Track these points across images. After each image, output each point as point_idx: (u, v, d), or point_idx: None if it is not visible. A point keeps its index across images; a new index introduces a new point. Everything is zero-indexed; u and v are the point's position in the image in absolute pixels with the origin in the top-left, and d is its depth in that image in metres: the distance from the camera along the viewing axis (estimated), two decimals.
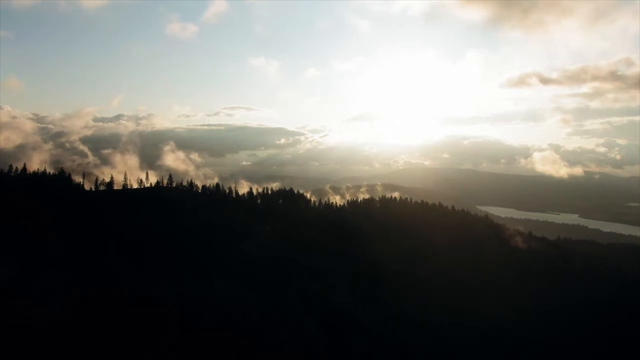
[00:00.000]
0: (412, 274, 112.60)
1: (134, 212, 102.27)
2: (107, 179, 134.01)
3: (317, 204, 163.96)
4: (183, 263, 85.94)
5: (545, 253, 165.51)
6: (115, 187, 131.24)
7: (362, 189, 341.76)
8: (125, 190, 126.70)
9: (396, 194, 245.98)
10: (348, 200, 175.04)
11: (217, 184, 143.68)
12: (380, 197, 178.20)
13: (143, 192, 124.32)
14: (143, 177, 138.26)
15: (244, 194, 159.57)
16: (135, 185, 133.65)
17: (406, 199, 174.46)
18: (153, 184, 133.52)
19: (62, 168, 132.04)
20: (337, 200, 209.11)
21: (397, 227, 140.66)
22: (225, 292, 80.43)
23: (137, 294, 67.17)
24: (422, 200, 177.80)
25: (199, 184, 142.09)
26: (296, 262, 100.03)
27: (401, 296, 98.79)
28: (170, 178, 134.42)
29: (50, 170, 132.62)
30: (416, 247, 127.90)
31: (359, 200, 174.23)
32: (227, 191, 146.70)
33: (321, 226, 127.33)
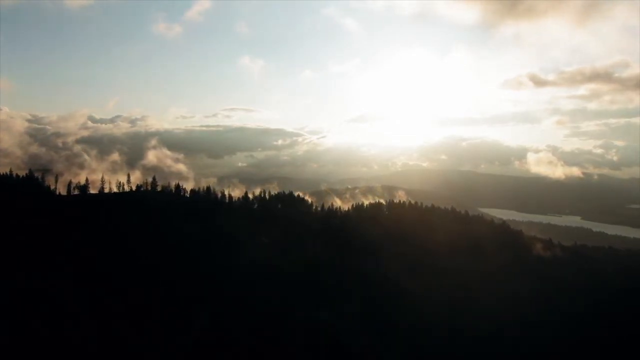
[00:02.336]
0: (430, 295, 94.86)
1: (104, 220, 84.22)
2: (94, 182, 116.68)
3: (319, 208, 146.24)
4: (154, 288, 68.06)
5: (568, 261, 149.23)
6: (93, 191, 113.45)
7: (364, 192, 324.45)
8: (101, 195, 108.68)
9: (402, 197, 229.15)
10: (353, 204, 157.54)
11: (208, 188, 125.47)
12: (388, 201, 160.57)
13: (120, 197, 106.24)
14: (131, 179, 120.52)
15: (239, 197, 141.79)
16: (115, 189, 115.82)
17: (415, 203, 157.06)
18: (134, 188, 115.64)
19: (30, 169, 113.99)
20: (340, 204, 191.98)
21: (410, 235, 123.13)
22: (209, 326, 62.75)
23: (86, 334, 49.66)
24: (432, 205, 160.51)
25: (188, 188, 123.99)
26: (298, 281, 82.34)
27: (420, 326, 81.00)
28: (154, 180, 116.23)
29: (19, 172, 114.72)
30: (433, 260, 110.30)
31: (365, 204, 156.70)
32: (220, 195, 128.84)
33: (326, 235, 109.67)
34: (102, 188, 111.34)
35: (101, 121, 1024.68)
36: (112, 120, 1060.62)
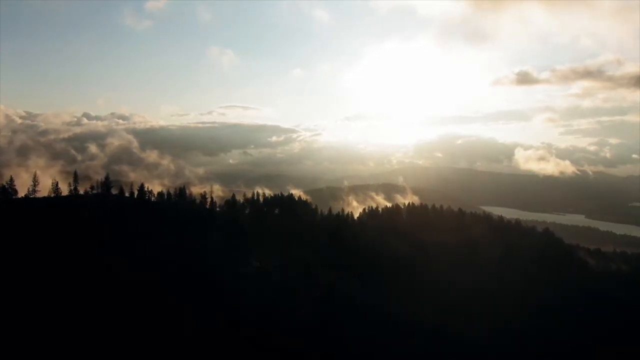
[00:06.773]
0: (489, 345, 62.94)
1: (14, 240, 51.10)
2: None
3: (325, 213, 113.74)
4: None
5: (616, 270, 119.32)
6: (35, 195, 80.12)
7: (365, 190, 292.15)
8: (29, 200, 75.52)
9: (412, 197, 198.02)
10: (365, 209, 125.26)
11: (182, 189, 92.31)
12: (406, 205, 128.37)
13: (50, 203, 73.02)
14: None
15: (228, 200, 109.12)
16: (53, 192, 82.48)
17: (441, 207, 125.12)
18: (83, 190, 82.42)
19: None
20: (343, 206, 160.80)
21: (446, 249, 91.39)
22: None
23: None
24: (459, 209, 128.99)
25: (155, 190, 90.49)
26: (305, 337, 49.94)
27: None
28: (107, 180, 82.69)
29: None
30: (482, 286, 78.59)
31: (379, 209, 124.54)
32: (200, 199, 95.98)
33: (339, 256, 77.31)
34: (33, 190, 78.12)
35: (97, 118, 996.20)
36: (107, 118, 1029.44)
